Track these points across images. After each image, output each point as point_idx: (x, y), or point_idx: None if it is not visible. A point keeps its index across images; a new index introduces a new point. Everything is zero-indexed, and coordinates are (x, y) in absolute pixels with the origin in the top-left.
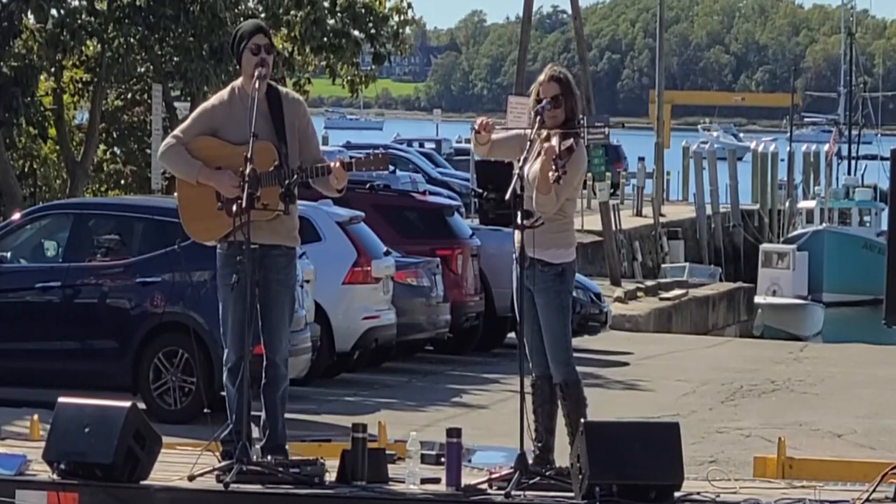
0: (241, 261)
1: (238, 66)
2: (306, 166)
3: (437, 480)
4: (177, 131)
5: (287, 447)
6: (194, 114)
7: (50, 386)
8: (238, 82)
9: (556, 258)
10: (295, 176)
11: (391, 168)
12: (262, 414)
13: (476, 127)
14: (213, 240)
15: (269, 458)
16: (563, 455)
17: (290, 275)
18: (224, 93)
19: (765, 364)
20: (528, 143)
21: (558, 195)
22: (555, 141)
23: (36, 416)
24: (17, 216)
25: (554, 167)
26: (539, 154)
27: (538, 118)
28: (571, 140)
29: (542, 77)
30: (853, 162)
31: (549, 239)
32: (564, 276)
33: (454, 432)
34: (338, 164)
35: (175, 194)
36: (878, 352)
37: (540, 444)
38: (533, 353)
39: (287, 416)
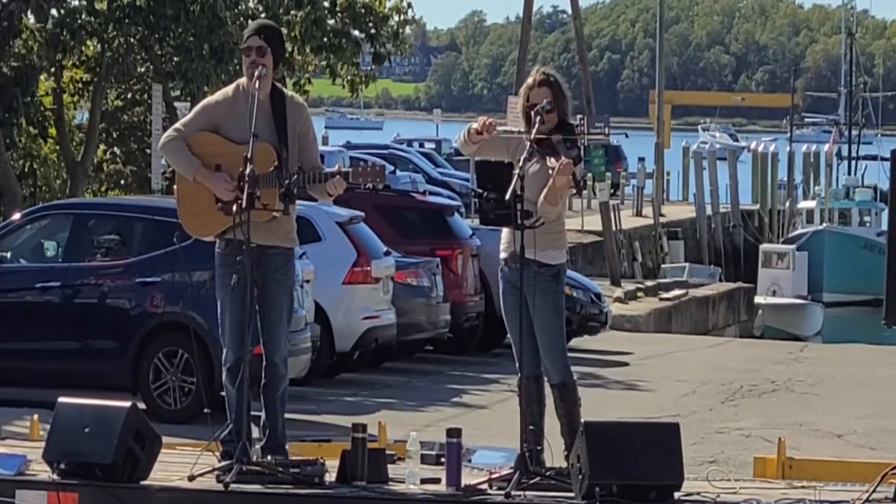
0: (240, 260)
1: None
2: (305, 171)
3: (437, 480)
4: (179, 124)
5: (287, 447)
6: (197, 108)
7: (50, 386)
8: (243, 80)
9: (552, 259)
10: (295, 177)
11: (391, 168)
12: (262, 414)
13: (479, 127)
14: (210, 236)
15: (269, 458)
16: (557, 455)
17: (289, 275)
18: (229, 89)
19: (765, 364)
20: (525, 143)
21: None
22: (564, 158)
23: (36, 416)
24: (17, 216)
25: (574, 187)
26: (534, 155)
27: (538, 118)
28: (578, 150)
29: (530, 80)
30: (853, 162)
31: (545, 241)
32: (559, 277)
33: (454, 432)
34: (338, 174)
35: (175, 187)
36: (878, 352)
37: (529, 445)
38: (523, 354)
39: (287, 416)
